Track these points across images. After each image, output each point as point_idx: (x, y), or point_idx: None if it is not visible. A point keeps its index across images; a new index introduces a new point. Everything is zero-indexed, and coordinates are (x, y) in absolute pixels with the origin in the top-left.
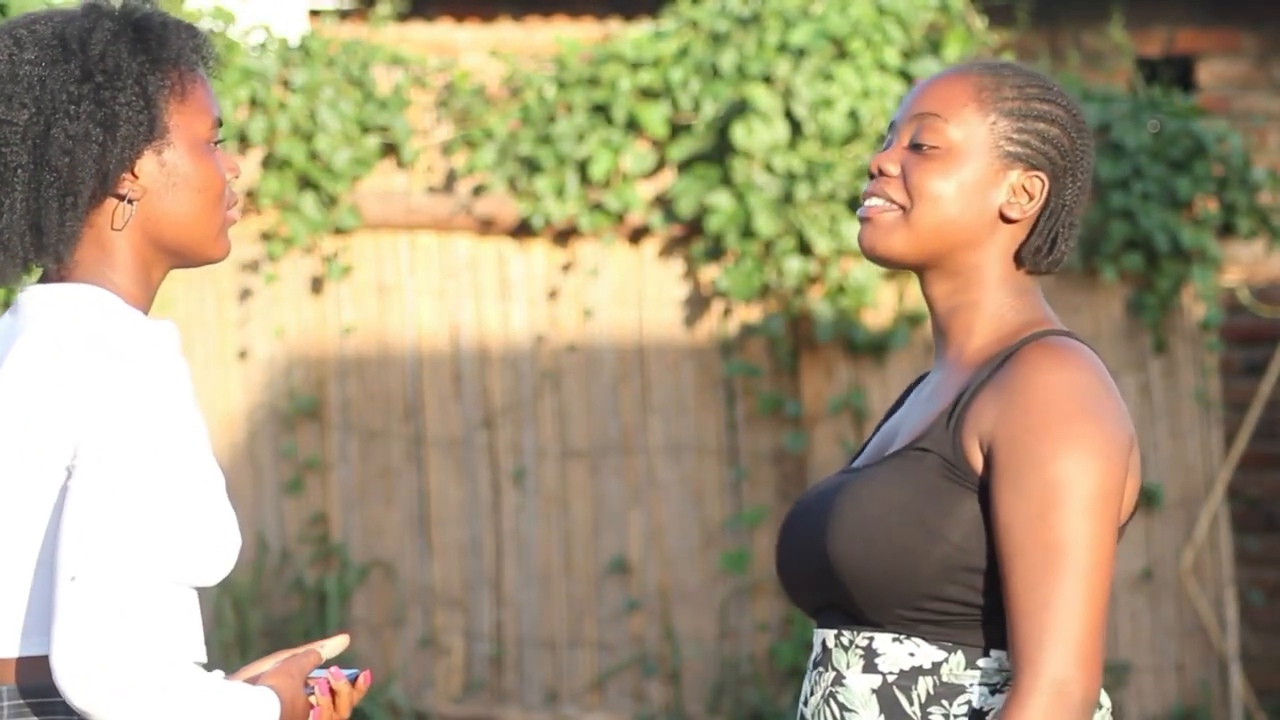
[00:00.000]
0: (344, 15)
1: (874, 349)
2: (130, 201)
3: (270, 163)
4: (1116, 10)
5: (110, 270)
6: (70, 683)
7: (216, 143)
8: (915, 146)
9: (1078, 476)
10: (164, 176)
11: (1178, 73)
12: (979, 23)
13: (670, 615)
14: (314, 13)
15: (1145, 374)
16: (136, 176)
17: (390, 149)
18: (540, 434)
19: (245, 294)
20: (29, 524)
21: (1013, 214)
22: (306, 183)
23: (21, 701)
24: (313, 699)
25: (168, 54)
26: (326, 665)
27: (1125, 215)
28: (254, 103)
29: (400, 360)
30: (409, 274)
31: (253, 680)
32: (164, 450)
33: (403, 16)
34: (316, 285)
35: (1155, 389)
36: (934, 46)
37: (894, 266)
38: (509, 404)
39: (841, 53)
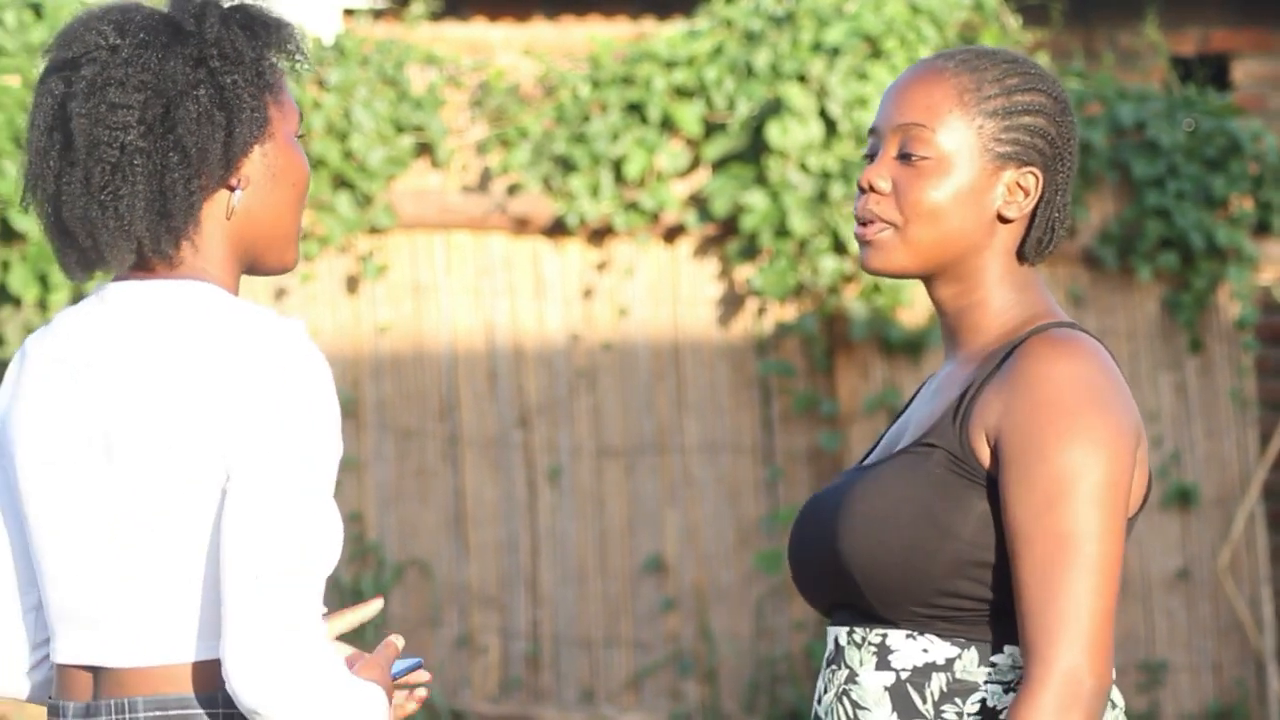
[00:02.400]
0: (378, 14)
1: (909, 347)
2: (237, 190)
3: None
4: (1151, 9)
5: (207, 264)
6: (247, 680)
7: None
8: (904, 157)
9: (1084, 468)
10: (265, 168)
11: (1212, 71)
12: (1013, 21)
13: (706, 614)
14: (348, 12)
15: (1181, 373)
16: (241, 166)
17: (425, 148)
18: (575, 433)
19: (280, 293)
20: (172, 531)
21: (1010, 214)
22: (341, 182)
23: (157, 713)
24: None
25: (278, 44)
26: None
27: (1160, 214)
28: None
29: (435, 359)
30: (444, 273)
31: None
32: (326, 446)
33: (437, 16)
34: (352, 284)
35: (1191, 388)
36: (968, 45)
37: (898, 278)
38: (544, 403)
39: (876, 51)
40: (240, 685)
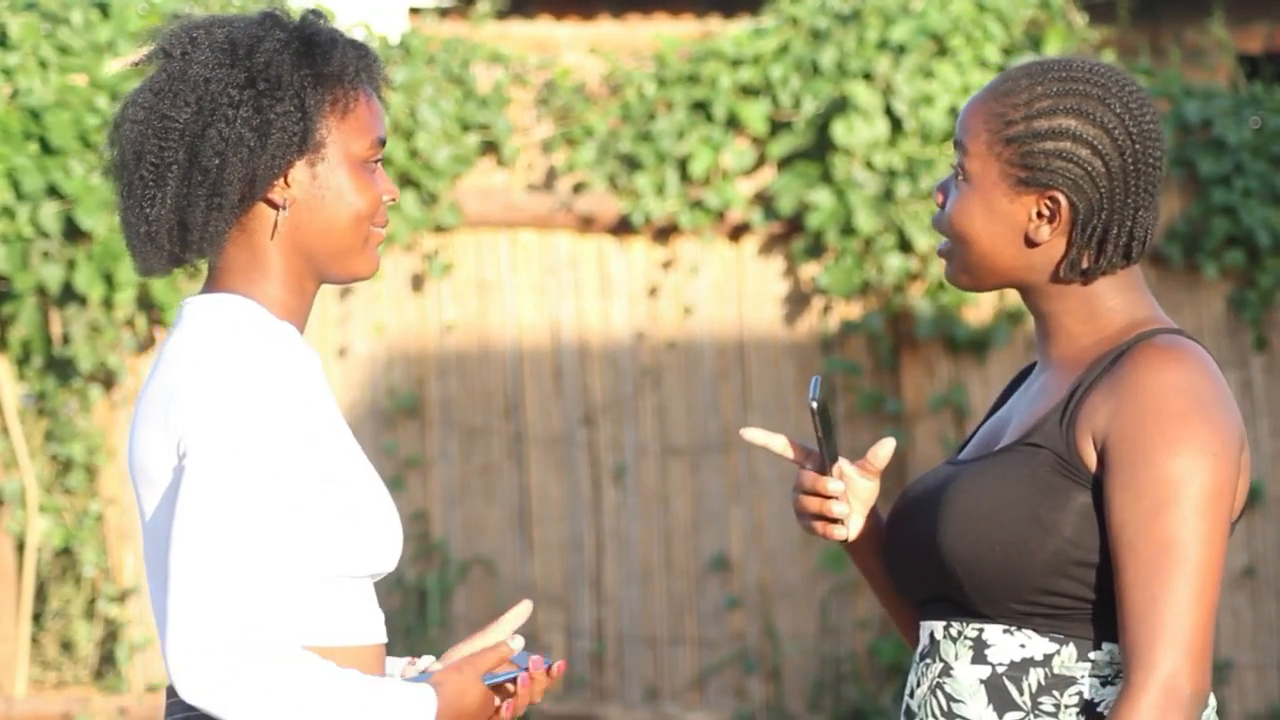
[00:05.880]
0: (444, 13)
1: (975, 346)
2: (281, 209)
3: None
4: (1218, 6)
5: (262, 278)
6: (173, 668)
7: (376, 162)
8: (956, 174)
9: (1190, 475)
10: (315, 188)
11: (1279, 69)
12: (1079, 19)
13: (771, 612)
14: (414, 10)
15: (1247, 371)
16: (289, 185)
17: (490, 147)
18: (641, 431)
19: (345, 291)
20: (161, 540)
21: (1038, 238)
22: (407, 180)
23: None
24: (510, 685)
25: (331, 69)
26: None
27: (1226, 211)
28: None
29: (500, 357)
30: (509, 271)
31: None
32: (261, 449)
33: (502, 14)
34: (417, 283)
35: (1257, 386)
36: (1034, 43)
37: (980, 292)
38: (609, 401)
39: (942, 49)
40: (168, 672)
